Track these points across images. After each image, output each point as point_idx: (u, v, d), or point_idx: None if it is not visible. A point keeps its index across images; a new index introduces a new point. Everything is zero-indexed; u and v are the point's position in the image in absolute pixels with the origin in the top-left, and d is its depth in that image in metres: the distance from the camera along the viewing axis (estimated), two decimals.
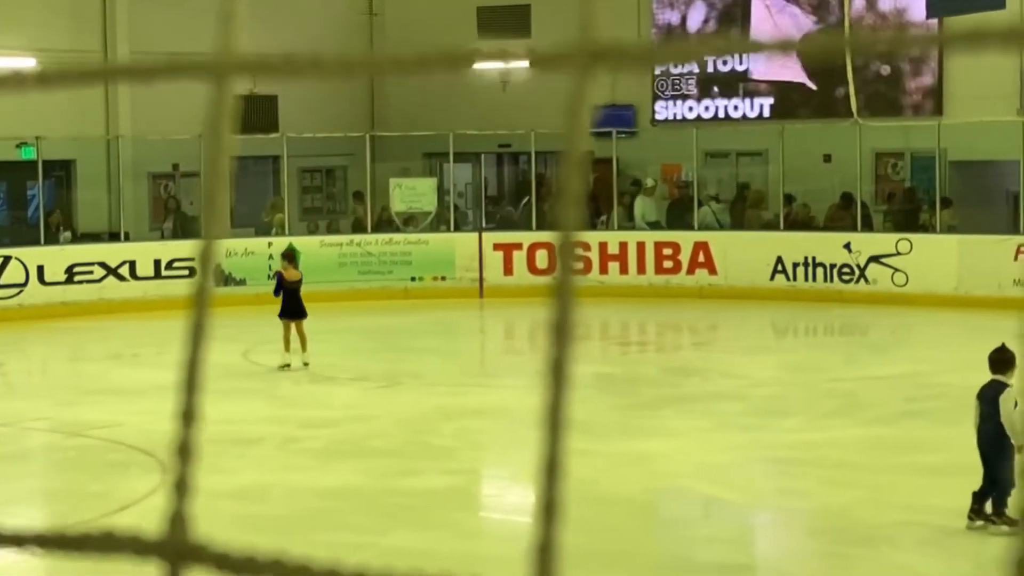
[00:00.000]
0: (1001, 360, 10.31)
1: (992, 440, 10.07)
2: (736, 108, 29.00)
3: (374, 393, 16.89)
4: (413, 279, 26.57)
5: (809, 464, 12.87)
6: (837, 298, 24.75)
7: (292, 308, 18.31)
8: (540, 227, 27.46)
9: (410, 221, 27.60)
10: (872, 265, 25.08)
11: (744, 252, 26.18)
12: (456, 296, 25.92)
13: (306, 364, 18.11)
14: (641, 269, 26.75)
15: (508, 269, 26.84)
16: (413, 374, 18.18)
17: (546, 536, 1.01)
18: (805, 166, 27.07)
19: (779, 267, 25.83)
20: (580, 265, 1.17)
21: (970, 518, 10.14)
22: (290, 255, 19.46)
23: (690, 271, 26.51)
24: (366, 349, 20.97)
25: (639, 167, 28.92)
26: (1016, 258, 23.83)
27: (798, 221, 26.82)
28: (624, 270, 26.79)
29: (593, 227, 27.91)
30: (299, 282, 18.72)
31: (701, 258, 26.46)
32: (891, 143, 27.44)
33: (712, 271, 26.32)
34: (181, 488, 1.04)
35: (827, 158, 27.68)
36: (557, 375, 1.02)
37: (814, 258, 25.56)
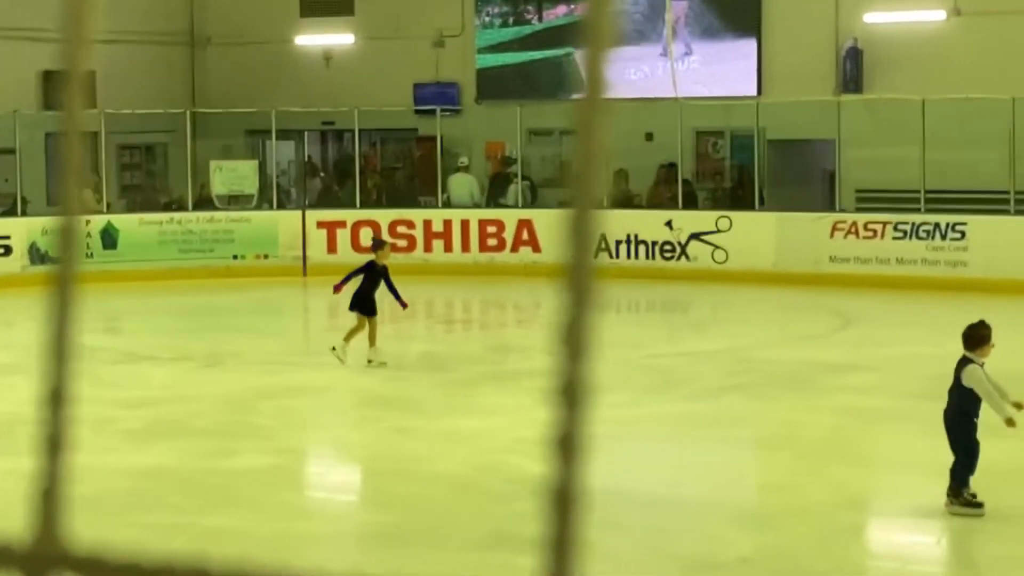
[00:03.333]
0: (968, 336, 10.31)
1: (951, 416, 10.11)
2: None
3: (194, 373, 16.69)
4: (235, 257, 26.30)
5: (631, 439, 13.02)
6: (659, 275, 25.04)
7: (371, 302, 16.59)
8: (364, 205, 27.36)
9: (232, 202, 27.29)
10: (693, 242, 25.41)
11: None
12: (279, 274, 25.71)
13: (377, 362, 16.38)
14: (465, 247, 26.80)
15: (332, 247, 26.69)
16: (234, 353, 18.00)
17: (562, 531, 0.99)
18: (628, 144, 27.30)
19: (602, 244, 26.02)
20: (595, 248, 1.15)
21: (948, 500, 10.05)
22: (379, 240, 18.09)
23: (514, 249, 26.61)
24: (186, 328, 20.72)
25: (463, 145, 28.93)
26: (832, 235, 24.33)
27: (620, 199, 27.06)
28: (448, 248, 26.81)
29: (417, 205, 27.91)
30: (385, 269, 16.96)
31: (525, 236, 26.58)
32: (711, 122, 27.81)
33: (536, 249, 26.45)
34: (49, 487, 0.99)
35: (649, 136, 27.96)
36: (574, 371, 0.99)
37: (636, 235, 25.81)
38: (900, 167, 24.68)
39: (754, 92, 27.27)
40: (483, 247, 26.76)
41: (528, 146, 28.67)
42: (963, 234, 23.40)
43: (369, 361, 16.30)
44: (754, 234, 24.98)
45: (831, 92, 26.27)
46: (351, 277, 16.90)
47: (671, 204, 26.37)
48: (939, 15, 25.48)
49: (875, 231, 23.95)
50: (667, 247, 25.62)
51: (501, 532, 9.89)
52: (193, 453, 12.37)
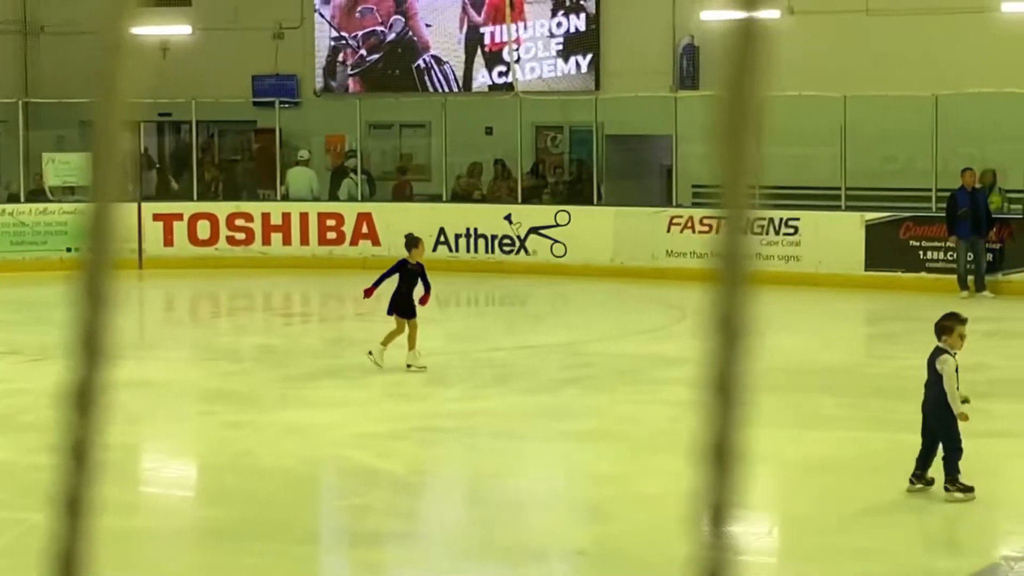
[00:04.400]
0: (939, 327, 10.51)
1: (933, 408, 10.27)
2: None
3: (24, 367, 16.37)
4: (69, 250, 25.82)
5: (467, 433, 13.04)
6: (498, 269, 25.12)
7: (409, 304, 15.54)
8: (202, 197, 27.05)
9: (67, 194, 26.80)
10: (532, 236, 25.52)
11: (407, 224, 26.25)
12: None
13: (417, 367, 15.39)
14: (304, 240, 26.63)
15: (168, 240, 26.35)
16: (65, 347, 17.67)
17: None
18: (468, 138, 27.36)
19: (442, 238, 26.04)
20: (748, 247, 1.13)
21: (911, 482, 10.31)
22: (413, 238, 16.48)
23: (353, 242, 26.51)
24: (17, 322, 20.30)
25: (303, 138, 28.74)
26: (669, 229, 24.60)
27: (459, 193, 27.10)
28: (287, 241, 26.62)
29: (255, 198, 27.67)
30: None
31: (365, 229, 26.49)
32: (550, 117, 27.95)
33: (376, 242, 26.37)
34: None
35: (489, 130, 28.03)
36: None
37: (476, 229, 25.86)
38: None
39: (592, 87, 27.48)
40: (322, 240, 26.62)
41: (368, 139, 28.57)
42: (796, 229, 23.81)
43: (408, 366, 15.30)
44: (592, 228, 25.17)
45: (668, 88, 26.56)
46: (383, 279, 15.81)
47: (511, 198, 26.47)
48: (774, 13, 25.83)
49: (711, 225, 24.03)
50: (507, 241, 25.71)
51: (338, 527, 9.86)
52: (20, 448, 12.12)
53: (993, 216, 22.73)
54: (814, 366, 16.06)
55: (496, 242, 25.78)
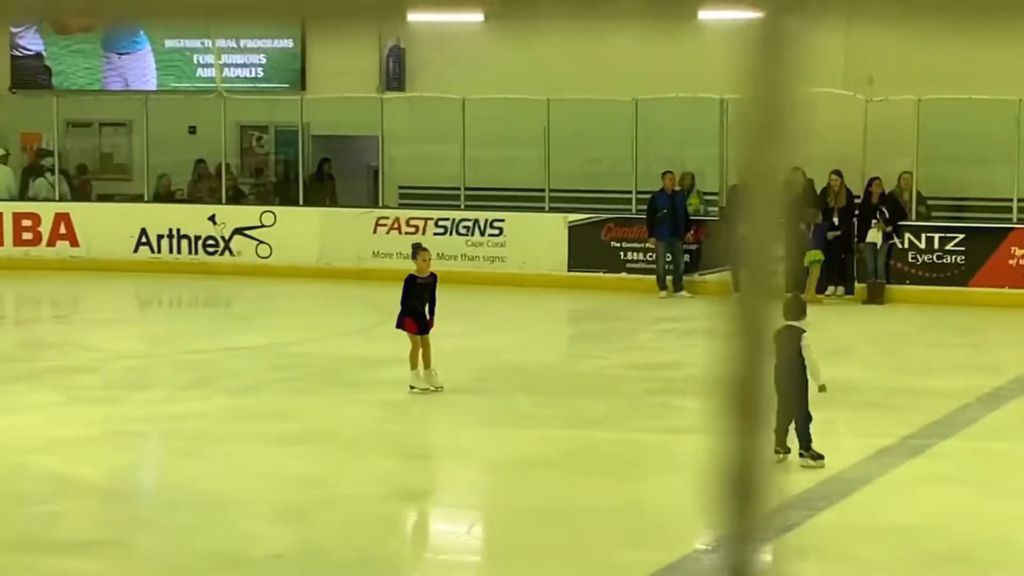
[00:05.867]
0: (791, 307, 11.09)
1: (795, 383, 10.81)
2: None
3: None
4: None
5: (167, 436, 12.77)
6: (202, 270, 24.72)
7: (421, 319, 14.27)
8: None
9: None
10: (237, 237, 25.19)
11: (107, 224, 25.69)
12: None
13: (434, 386, 14.21)
14: None
15: None
16: None
17: None
18: (170, 137, 26.84)
19: (143, 239, 25.51)
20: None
21: (776, 451, 10.77)
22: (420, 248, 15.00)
23: (51, 243, 25.78)
24: None
25: None
26: (375, 230, 24.57)
27: (161, 194, 26.58)
28: None
29: None
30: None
31: (63, 230, 25.77)
32: (255, 116, 27.63)
33: (74, 243, 25.70)
34: None
35: (192, 130, 27.57)
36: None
37: (179, 230, 25.41)
38: (442, 164, 25.15)
39: (298, 87, 27.27)
40: (17, 241, 25.80)
41: (67, 138, 27.80)
42: (501, 230, 24.04)
43: (413, 388, 14.10)
44: (298, 229, 24.98)
45: (375, 89, 26.52)
46: (406, 303, 14.44)
47: (213, 199, 26.07)
48: (477, 17, 26.07)
49: (417, 227, 24.30)
50: (210, 242, 25.32)
51: (30, 535, 9.52)
52: None
53: (691, 218, 23.32)
54: (516, 365, 16.21)
55: (200, 243, 25.36)
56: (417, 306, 14.32)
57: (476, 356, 16.60)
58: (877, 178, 22.50)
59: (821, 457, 11.14)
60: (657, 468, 11.46)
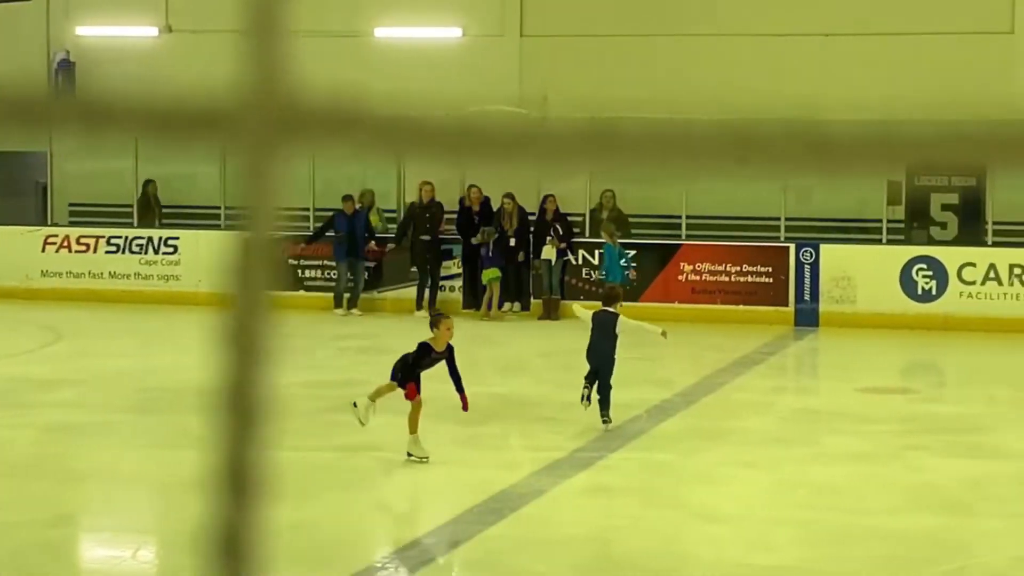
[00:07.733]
0: (608, 296, 13.92)
1: (609, 357, 13.29)
2: None
3: None
4: None
5: None
6: None
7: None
8: None
9: None
10: None
11: None
12: None
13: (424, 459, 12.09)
14: None
15: None
16: None
17: None
18: None
19: None
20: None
21: (583, 397, 13.42)
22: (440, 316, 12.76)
23: None
24: None
25: None
26: (44, 249, 23.84)
27: None
28: None
29: None
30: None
31: None
32: None
33: None
34: None
35: None
36: None
37: None
38: (117, 182, 24.57)
39: None
40: None
41: None
42: (175, 248, 23.59)
43: (411, 456, 12.12)
44: None
45: None
46: (412, 370, 12.35)
47: None
48: (151, 31, 25.59)
49: (88, 245, 23.67)
50: None
51: None
52: None
53: (374, 235, 23.30)
54: (186, 386, 15.87)
55: None
56: (421, 367, 12.43)
57: (142, 376, 16.22)
58: (551, 195, 22.86)
59: (607, 423, 13.31)
60: (329, 486, 11.37)
